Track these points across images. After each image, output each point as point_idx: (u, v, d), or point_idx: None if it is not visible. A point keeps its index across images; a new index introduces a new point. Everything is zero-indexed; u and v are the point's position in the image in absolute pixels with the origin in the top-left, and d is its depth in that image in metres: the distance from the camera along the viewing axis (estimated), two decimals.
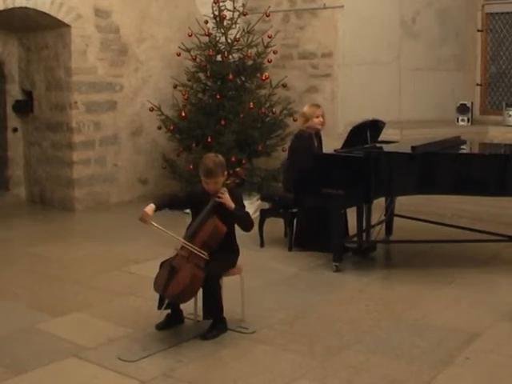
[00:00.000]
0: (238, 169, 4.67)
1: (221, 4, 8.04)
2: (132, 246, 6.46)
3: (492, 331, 4.39)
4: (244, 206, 4.56)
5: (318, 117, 6.39)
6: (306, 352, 4.08)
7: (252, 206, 7.40)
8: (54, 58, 8.15)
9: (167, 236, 4.27)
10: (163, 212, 4.42)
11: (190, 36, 8.12)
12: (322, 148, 6.56)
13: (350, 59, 8.79)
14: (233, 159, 7.29)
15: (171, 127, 8.07)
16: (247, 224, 4.47)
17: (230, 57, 8.03)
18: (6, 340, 4.28)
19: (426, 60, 9.06)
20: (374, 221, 6.25)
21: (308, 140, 6.38)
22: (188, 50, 8.10)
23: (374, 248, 6.17)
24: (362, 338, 4.28)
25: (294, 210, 6.39)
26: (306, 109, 6.50)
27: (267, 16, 8.36)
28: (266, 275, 5.57)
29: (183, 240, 4.27)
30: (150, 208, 4.29)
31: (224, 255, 4.36)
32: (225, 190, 4.36)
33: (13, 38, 8.52)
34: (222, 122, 7.73)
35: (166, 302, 4.23)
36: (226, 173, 4.43)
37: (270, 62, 8.18)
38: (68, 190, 8.19)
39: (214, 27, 8.12)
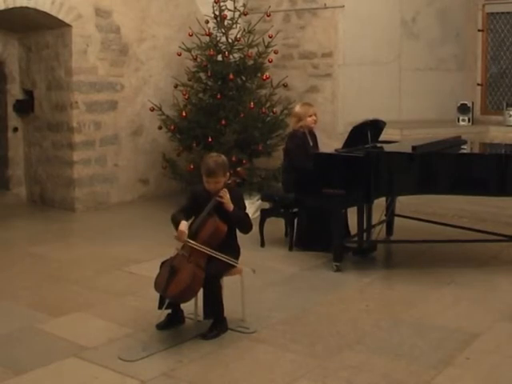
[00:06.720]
0: (238, 168, 4.66)
1: (221, 4, 8.04)
2: (132, 246, 6.46)
3: (492, 331, 4.39)
4: (245, 207, 4.55)
5: (310, 116, 6.40)
6: (306, 352, 4.08)
7: (252, 205, 7.40)
8: (55, 58, 8.15)
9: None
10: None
11: (191, 36, 8.12)
12: (317, 145, 6.56)
13: (351, 59, 8.78)
14: (233, 159, 7.27)
15: (172, 127, 8.06)
16: (246, 226, 4.47)
17: (231, 57, 8.03)
18: (5, 340, 4.28)
19: (427, 60, 9.05)
20: (374, 221, 6.25)
21: (302, 139, 6.38)
22: (189, 50, 8.10)
23: (375, 248, 6.17)
24: (362, 338, 4.28)
25: (295, 210, 6.39)
26: (297, 108, 6.50)
27: (268, 16, 8.37)
28: (266, 275, 5.56)
29: (223, 256, 4.27)
30: (184, 225, 4.26)
31: (225, 255, 4.35)
32: (226, 190, 4.36)
33: (13, 38, 8.52)
34: (223, 122, 7.72)
35: (167, 301, 4.22)
36: (227, 173, 4.43)
37: (270, 61, 8.18)
38: (68, 189, 8.19)
39: (214, 27, 8.12)
